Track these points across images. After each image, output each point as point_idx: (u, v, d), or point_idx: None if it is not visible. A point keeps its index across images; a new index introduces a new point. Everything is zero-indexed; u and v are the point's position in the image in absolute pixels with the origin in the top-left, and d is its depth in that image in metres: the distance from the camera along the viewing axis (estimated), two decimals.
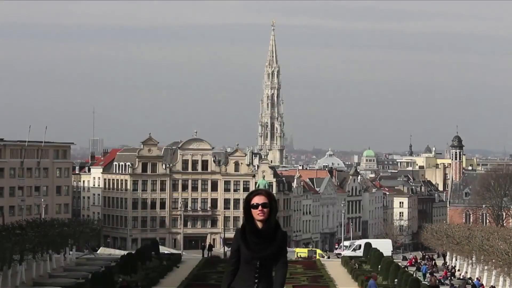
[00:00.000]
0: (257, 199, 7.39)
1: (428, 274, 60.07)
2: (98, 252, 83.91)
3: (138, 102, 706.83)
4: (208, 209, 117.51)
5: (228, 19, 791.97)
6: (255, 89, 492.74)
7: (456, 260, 68.29)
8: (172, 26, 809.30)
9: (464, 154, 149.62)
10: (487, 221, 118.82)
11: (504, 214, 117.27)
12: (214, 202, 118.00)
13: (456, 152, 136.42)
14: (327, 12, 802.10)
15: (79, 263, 64.80)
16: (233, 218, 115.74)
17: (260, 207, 7.39)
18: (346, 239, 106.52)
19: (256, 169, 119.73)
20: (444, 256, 78.94)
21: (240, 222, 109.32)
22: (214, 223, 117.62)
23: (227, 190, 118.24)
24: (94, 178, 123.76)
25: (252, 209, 7.42)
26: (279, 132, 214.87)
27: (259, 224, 7.42)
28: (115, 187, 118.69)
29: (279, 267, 7.53)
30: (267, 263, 7.45)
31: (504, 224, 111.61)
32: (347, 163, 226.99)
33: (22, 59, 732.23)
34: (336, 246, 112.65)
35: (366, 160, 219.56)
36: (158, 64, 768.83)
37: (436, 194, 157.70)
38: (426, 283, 50.13)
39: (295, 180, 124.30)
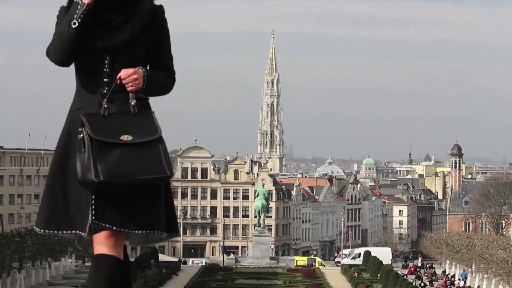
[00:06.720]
0: None
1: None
2: None
3: None
4: (208, 217, 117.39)
5: (228, 27, 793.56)
6: (254, 97, 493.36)
7: (455, 268, 68.26)
8: (172, 33, 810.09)
9: (464, 163, 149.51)
10: (487, 229, 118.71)
11: (503, 222, 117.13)
12: (214, 210, 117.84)
13: (455, 161, 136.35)
14: (327, 20, 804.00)
15: (78, 271, 64.77)
16: (233, 226, 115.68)
17: None
18: (345, 247, 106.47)
19: (255, 177, 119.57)
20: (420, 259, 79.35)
21: (240, 230, 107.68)
22: (213, 231, 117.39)
23: (226, 198, 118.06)
24: None
25: None
26: (278, 140, 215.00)
27: None
28: None
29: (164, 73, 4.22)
30: (124, 58, 4.05)
31: (504, 233, 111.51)
32: (347, 171, 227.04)
33: (21, 67, 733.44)
34: (336, 254, 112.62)
35: (366, 168, 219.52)
36: None
37: (435, 203, 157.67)
38: None
39: (295, 188, 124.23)
